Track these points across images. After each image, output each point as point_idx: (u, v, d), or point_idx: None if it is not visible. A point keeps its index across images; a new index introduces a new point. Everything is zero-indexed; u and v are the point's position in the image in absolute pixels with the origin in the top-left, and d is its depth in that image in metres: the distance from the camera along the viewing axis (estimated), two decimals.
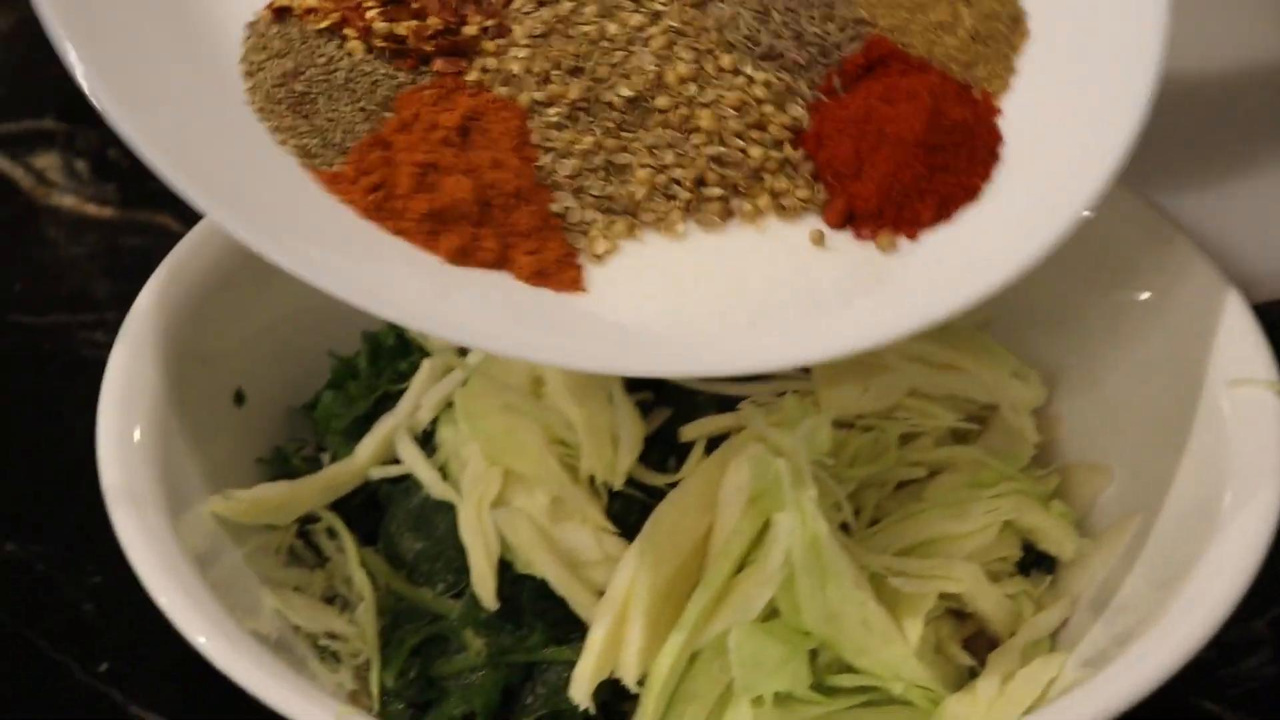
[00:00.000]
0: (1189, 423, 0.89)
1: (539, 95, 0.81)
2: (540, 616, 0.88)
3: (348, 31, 0.82)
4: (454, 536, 0.89)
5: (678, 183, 0.80)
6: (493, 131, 0.80)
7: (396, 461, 0.95)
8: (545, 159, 0.80)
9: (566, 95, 0.80)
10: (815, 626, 0.83)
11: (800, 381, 0.90)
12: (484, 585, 0.87)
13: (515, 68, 0.81)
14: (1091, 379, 0.98)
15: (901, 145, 0.80)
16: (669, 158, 0.80)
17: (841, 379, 0.90)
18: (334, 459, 0.97)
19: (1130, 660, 0.78)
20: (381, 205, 0.77)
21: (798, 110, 0.82)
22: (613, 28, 0.81)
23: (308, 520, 0.95)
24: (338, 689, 0.88)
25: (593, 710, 0.84)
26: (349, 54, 0.81)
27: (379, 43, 0.81)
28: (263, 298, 0.97)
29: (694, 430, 0.90)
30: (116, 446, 0.87)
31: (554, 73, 0.81)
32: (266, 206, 0.76)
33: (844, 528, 0.88)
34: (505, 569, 0.87)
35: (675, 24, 0.81)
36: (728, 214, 0.81)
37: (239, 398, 0.97)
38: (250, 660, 0.79)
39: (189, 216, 0.85)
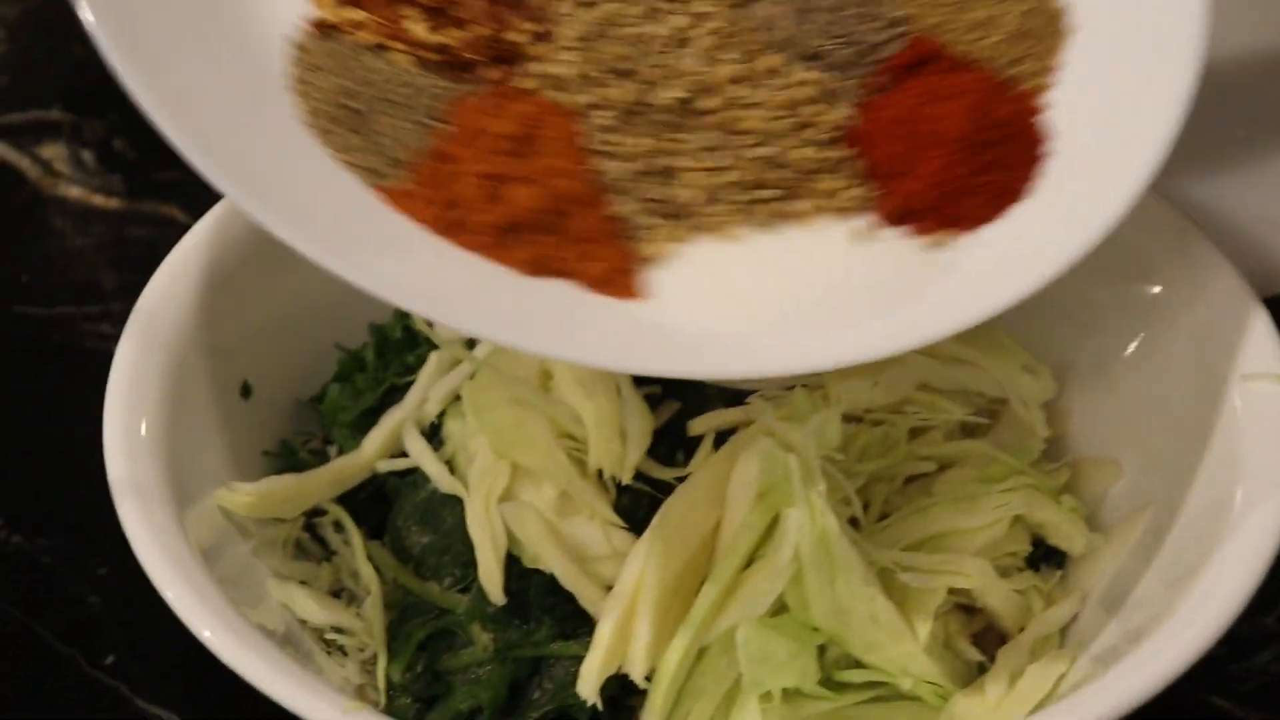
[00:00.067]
0: (1201, 417, 0.89)
1: (589, 98, 0.80)
2: (548, 611, 0.87)
3: (395, 44, 0.80)
4: (461, 530, 0.88)
5: (730, 185, 0.79)
6: (548, 137, 0.79)
7: (404, 455, 0.94)
8: (599, 163, 0.79)
9: (616, 98, 0.80)
10: (824, 622, 0.83)
11: (809, 375, 0.90)
12: (491, 579, 0.87)
13: (564, 71, 0.80)
14: (1102, 373, 0.98)
15: (950, 143, 0.79)
16: (720, 160, 0.80)
17: (851, 372, 0.90)
18: (341, 452, 0.97)
19: (1141, 657, 0.78)
20: (452, 221, 0.76)
21: (844, 109, 0.82)
22: (658, 29, 0.80)
23: (314, 513, 0.95)
24: (344, 683, 0.88)
25: (600, 706, 0.84)
26: (397, 68, 0.80)
27: (426, 55, 0.80)
28: (269, 290, 0.96)
29: (702, 424, 0.90)
30: (123, 440, 0.87)
31: (603, 75, 0.80)
32: (346, 231, 0.75)
33: (853, 522, 0.87)
34: (513, 563, 0.87)
35: (720, 25, 0.81)
36: (781, 215, 0.80)
37: (246, 390, 0.97)
38: (256, 654, 0.79)
39: (196, 208, 0.85)
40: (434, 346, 0.97)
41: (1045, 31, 0.83)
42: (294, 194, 0.75)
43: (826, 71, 0.82)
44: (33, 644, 1.00)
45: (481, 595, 0.87)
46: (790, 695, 0.83)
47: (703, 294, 0.77)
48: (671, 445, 0.90)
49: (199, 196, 0.81)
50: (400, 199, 0.77)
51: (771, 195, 0.80)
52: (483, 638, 0.88)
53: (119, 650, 0.99)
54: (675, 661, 0.83)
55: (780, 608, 0.84)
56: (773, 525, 0.84)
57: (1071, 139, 0.82)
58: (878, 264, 0.80)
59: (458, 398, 0.93)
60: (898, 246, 0.80)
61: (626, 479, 0.88)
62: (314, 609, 0.90)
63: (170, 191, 1.27)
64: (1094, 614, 0.90)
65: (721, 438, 0.89)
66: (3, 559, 1.04)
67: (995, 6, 0.84)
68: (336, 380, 1.01)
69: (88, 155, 1.33)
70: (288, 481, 0.93)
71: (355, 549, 0.93)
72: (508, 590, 0.87)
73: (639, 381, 0.89)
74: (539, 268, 0.76)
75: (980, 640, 0.90)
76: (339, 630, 0.90)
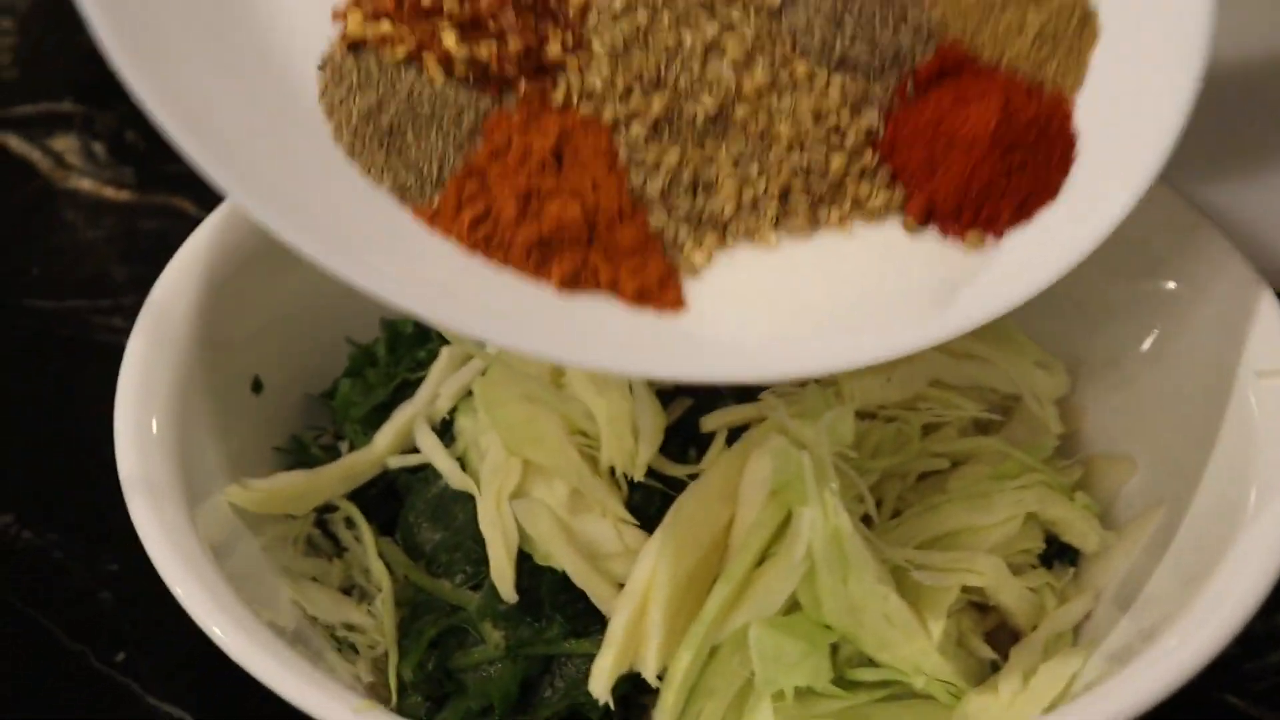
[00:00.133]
0: (1215, 414, 0.89)
1: (622, 110, 0.80)
2: (559, 609, 0.87)
3: (426, 58, 0.80)
4: (473, 527, 0.88)
5: (764, 194, 0.80)
6: (584, 152, 0.78)
7: (415, 451, 0.94)
8: (635, 176, 0.79)
9: (650, 109, 0.79)
10: (836, 620, 0.83)
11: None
12: (503, 577, 0.86)
13: (598, 83, 0.80)
14: (1116, 369, 0.98)
15: (975, 145, 0.79)
16: (753, 169, 0.80)
17: (864, 369, 0.89)
18: (352, 448, 0.97)
19: (1154, 657, 0.77)
20: (488, 238, 0.76)
21: (873, 117, 0.82)
22: (690, 38, 0.80)
23: (325, 510, 0.95)
24: (355, 681, 0.88)
25: (612, 704, 0.83)
26: (430, 83, 0.79)
27: (458, 69, 0.80)
28: (280, 284, 0.96)
29: (715, 421, 0.90)
30: (134, 436, 0.87)
31: (636, 87, 0.80)
32: (374, 249, 0.75)
33: (866, 520, 0.87)
34: (524, 561, 0.87)
35: (751, 33, 0.81)
36: (815, 222, 0.80)
37: (257, 386, 0.97)
38: (266, 652, 0.79)
39: (206, 200, 0.85)
40: (445, 342, 0.97)
41: (1074, 34, 0.83)
42: (318, 207, 0.75)
43: (856, 79, 0.82)
44: (43, 640, 1.00)
45: (493, 593, 0.87)
46: (803, 694, 0.83)
47: (739, 302, 0.78)
48: (683, 442, 0.90)
49: (210, 189, 0.81)
50: (433, 218, 0.77)
51: (805, 203, 0.80)
52: (494, 635, 0.88)
53: (130, 646, 0.99)
54: (687, 660, 0.83)
55: (793, 606, 0.83)
56: (785, 523, 0.84)
57: (1087, 137, 0.82)
58: (910, 266, 0.80)
59: (469, 393, 0.93)
60: (930, 249, 0.80)
61: (638, 476, 0.88)
62: (325, 606, 0.90)
63: (182, 184, 1.27)
64: (1107, 612, 0.90)
65: (734, 435, 0.89)
66: (13, 554, 1.04)
67: (1023, 11, 0.83)
68: (348, 375, 1.01)
69: (99, 147, 1.33)
70: (299, 478, 0.93)
71: (366, 546, 0.93)
72: (519, 588, 0.86)
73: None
74: (574, 283, 0.76)
75: (993, 638, 0.90)
76: (350, 628, 0.90)
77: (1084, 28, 0.83)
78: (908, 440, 0.91)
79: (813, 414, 0.86)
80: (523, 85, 0.80)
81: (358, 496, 0.95)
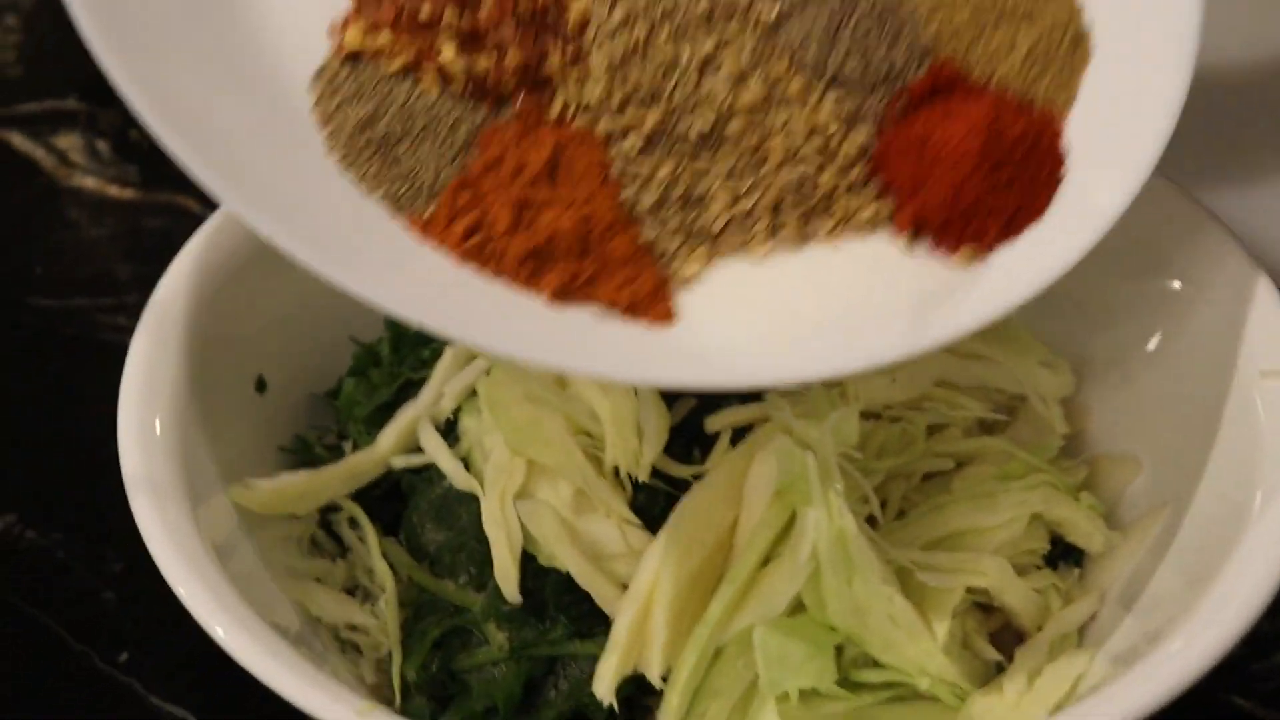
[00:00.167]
0: (1220, 414, 0.88)
1: (617, 124, 0.80)
2: (563, 610, 0.87)
3: (424, 70, 0.80)
4: (476, 528, 0.88)
5: (756, 207, 0.80)
6: (578, 165, 0.78)
7: (419, 450, 0.94)
8: (628, 190, 0.79)
9: (644, 123, 0.79)
10: (841, 622, 0.82)
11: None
12: (506, 578, 0.86)
13: (594, 97, 0.80)
14: (1121, 369, 0.97)
15: (961, 161, 0.79)
16: (745, 183, 0.80)
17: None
18: (356, 447, 0.97)
19: (1160, 658, 0.77)
20: (480, 248, 0.76)
21: (865, 134, 0.82)
22: (687, 52, 0.80)
23: (329, 510, 0.95)
24: (358, 682, 0.88)
25: (616, 706, 0.83)
26: (425, 94, 0.79)
27: (455, 82, 0.80)
28: (284, 283, 0.96)
29: (719, 421, 0.89)
30: (137, 436, 0.86)
31: (631, 100, 0.80)
32: (367, 257, 0.75)
33: (870, 520, 0.87)
34: (528, 561, 0.87)
35: (747, 49, 0.80)
36: (805, 235, 0.80)
37: (260, 385, 0.97)
38: (269, 653, 0.79)
39: (210, 199, 0.84)
40: (449, 342, 0.97)
41: (1065, 54, 0.83)
42: (311, 214, 0.75)
43: (850, 96, 0.82)
44: (45, 640, 1.00)
45: (497, 593, 0.87)
46: (807, 695, 0.82)
47: (729, 312, 0.77)
48: (688, 442, 0.90)
49: None
50: (425, 228, 0.77)
51: (796, 217, 0.80)
52: (498, 636, 0.88)
53: (133, 647, 0.99)
54: (691, 661, 0.83)
55: (797, 607, 0.83)
56: (790, 524, 0.84)
57: (1072, 149, 0.82)
58: (899, 276, 0.79)
59: (474, 393, 0.93)
60: (918, 261, 0.80)
61: (643, 476, 0.87)
62: (328, 606, 0.90)
63: (185, 182, 1.24)
64: (1113, 612, 0.90)
65: (738, 435, 0.89)
66: (16, 554, 1.04)
67: (1016, 31, 0.84)
68: (351, 375, 1.01)
69: (103, 145, 1.33)
70: (302, 478, 0.93)
71: (370, 546, 0.92)
72: (523, 589, 0.86)
73: None
74: (566, 294, 0.76)
75: (998, 638, 0.90)
76: (353, 628, 0.90)
77: (1076, 48, 0.84)
78: (912, 440, 0.91)
79: (817, 414, 0.86)
80: (520, 98, 0.80)
81: (361, 496, 0.95)
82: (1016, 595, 0.88)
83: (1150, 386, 0.96)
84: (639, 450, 0.87)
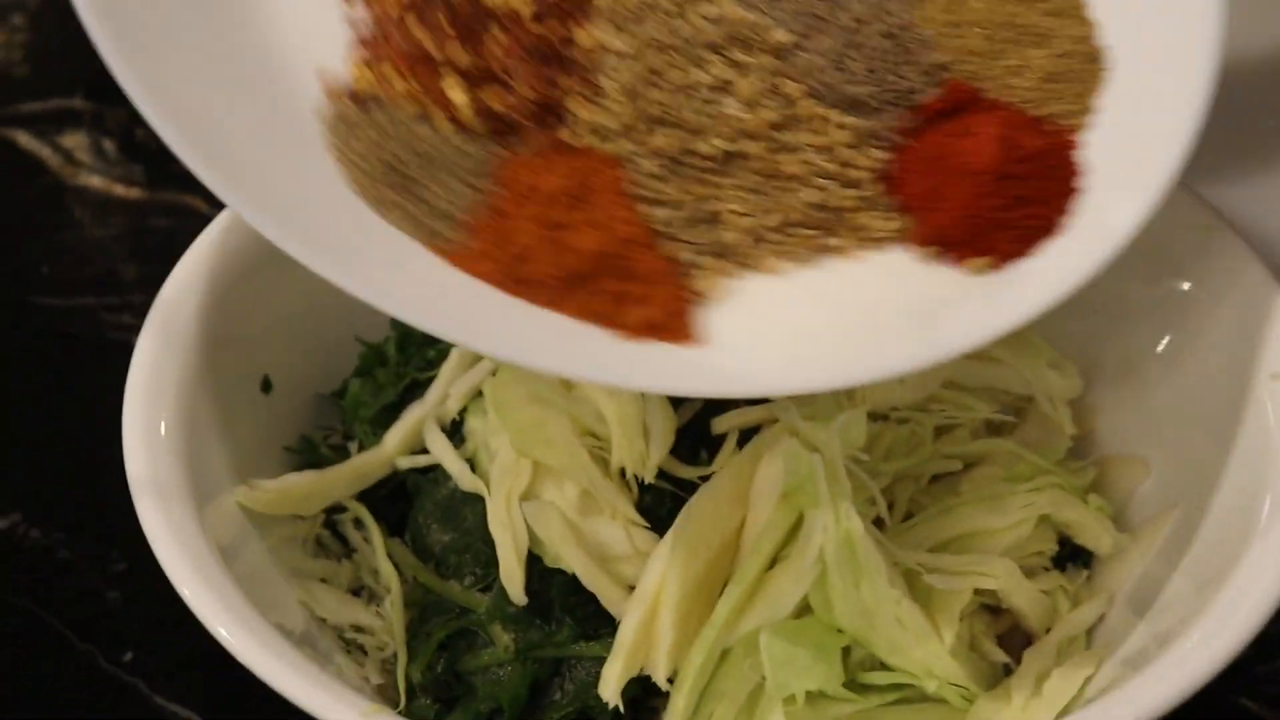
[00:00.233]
0: (1229, 416, 0.88)
1: (634, 148, 0.79)
2: (569, 611, 0.87)
3: (434, 113, 0.79)
4: (482, 529, 0.88)
5: (771, 226, 0.80)
6: (597, 188, 0.78)
7: (425, 451, 0.94)
8: (646, 210, 0.79)
9: (661, 146, 0.79)
10: (848, 624, 0.82)
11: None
12: (512, 579, 0.86)
13: (611, 123, 0.79)
14: (1129, 370, 0.97)
15: (975, 176, 0.79)
16: (761, 203, 0.80)
17: None
18: (361, 448, 0.97)
19: (1169, 662, 0.77)
20: (509, 274, 0.76)
21: (878, 153, 0.82)
22: (700, 76, 0.80)
23: (335, 510, 0.95)
24: (363, 683, 0.88)
25: (621, 708, 0.83)
26: (439, 133, 0.79)
27: (469, 121, 0.79)
28: (290, 283, 0.95)
29: (726, 422, 0.89)
30: (142, 437, 0.86)
31: (648, 125, 0.80)
32: (368, 259, 0.76)
33: (878, 523, 0.87)
34: (534, 563, 0.87)
35: (761, 73, 0.81)
36: (821, 250, 0.80)
37: (266, 385, 0.97)
38: (273, 654, 0.79)
39: (216, 199, 0.84)
40: None
41: (1081, 73, 0.83)
42: (313, 215, 0.75)
43: (864, 117, 0.82)
44: (49, 640, 0.99)
45: (502, 595, 0.87)
46: (814, 698, 0.82)
47: (748, 327, 0.77)
48: (694, 443, 0.89)
49: None
50: (460, 258, 0.77)
51: (811, 233, 0.80)
52: (503, 638, 0.87)
53: (137, 647, 0.99)
54: (698, 664, 0.82)
55: (804, 609, 0.83)
56: (797, 526, 0.84)
57: (1094, 156, 0.82)
58: (916, 288, 0.79)
59: (480, 394, 0.93)
60: (934, 274, 0.80)
61: (649, 478, 0.87)
62: (334, 607, 0.90)
63: (192, 181, 1.24)
64: (1121, 615, 0.90)
65: (745, 436, 0.89)
66: (20, 553, 1.04)
67: (1029, 51, 0.84)
68: (357, 375, 1.00)
69: (109, 144, 1.32)
70: (308, 478, 0.93)
71: (375, 547, 0.92)
72: (529, 590, 0.86)
73: None
74: (593, 316, 0.76)
75: (1006, 640, 0.89)
76: (359, 629, 0.90)
77: (1091, 66, 0.83)
78: (920, 442, 0.91)
79: (825, 416, 0.85)
80: (534, 129, 0.80)
81: (367, 497, 0.95)
82: (1024, 597, 0.88)
83: (1160, 388, 0.95)
84: (645, 452, 0.87)
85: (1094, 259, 0.77)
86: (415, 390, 0.97)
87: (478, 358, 0.94)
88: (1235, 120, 0.94)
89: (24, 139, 1.33)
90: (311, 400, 1.00)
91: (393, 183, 0.78)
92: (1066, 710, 0.83)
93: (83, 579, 1.02)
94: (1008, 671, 0.88)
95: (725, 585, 0.84)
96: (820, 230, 0.80)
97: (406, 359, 0.99)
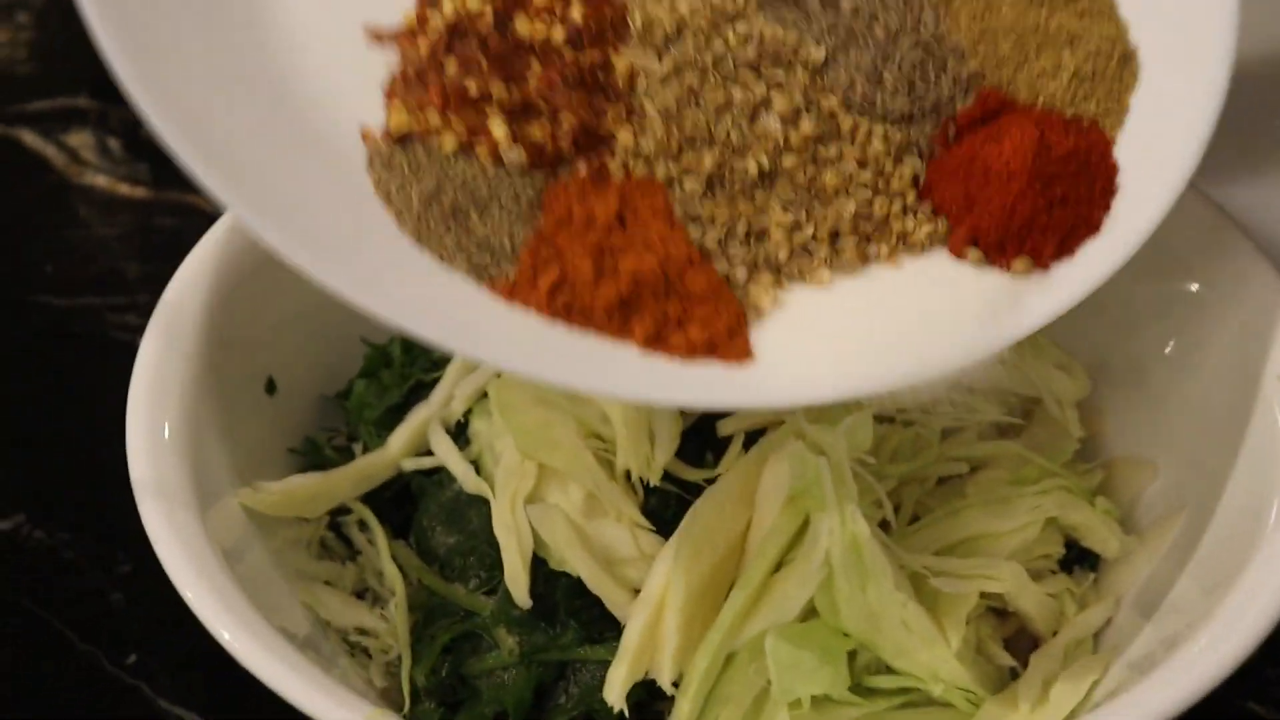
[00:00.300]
0: (1237, 418, 0.88)
1: (675, 169, 0.80)
2: (574, 615, 0.87)
3: (477, 149, 0.79)
4: (487, 532, 0.88)
5: (814, 237, 0.80)
6: (644, 212, 0.78)
7: (429, 453, 0.94)
8: (693, 230, 0.79)
9: (702, 166, 0.80)
10: (854, 628, 0.82)
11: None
12: (517, 582, 0.86)
13: (652, 146, 0.80)
14: (1137, 372, 0.97)
15: (1012, 178, 0.79)
16: (802, 215, 0.80)
17: None
18: (366, 449, 0.96)
19: (1177, 666, 0.77)
20: (568, 305, 0.76)
21: (916, 162, 0.82)
22: (738, 95, 0.80)
23: (339, 512, 0.95)
24: (367, 686, 0.87)
25: (626, 711, 0.83)
26: (481, 165, 0.79)
27: (510, 154, 0.79)
28: (295, 283, 0.93)
29: (732, 425, 0.89)
30: (146, 440, 0.86)
31: (688, 145, 0.80)
32: (368, 265, 0.75)
33: (884, 525, 0.87)
34: (539, 566, 0.86)
35: (797, 90, 0.81)
36: (865, 258, 0.81)
37: (270, 386, 0.97)
38: (276, 658, 0.79)
39: None
40: None
41: (1113, 75, 0.84)
42: (314, 220, 0.75)
43: (898, 129, 0.82)
44: (53, 641, 0.99)
45: (507, 598, 0.87)
46: (820, 702, 0.82)
47: (800, 340, 0.77)
48: (700, 446, 0.89)
49: None
50: (511, 291, 0.76)
51: (854, 243, 0.81)
52: (508, 641, 0.87)
53: (141, 649, 0.99)
54: (703, 667, 0.82)
55: (810, 613, 0.83)
56: (803, 529, 0.84)
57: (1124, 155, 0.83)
58: (957, 290, 0.80)
59: (484, 396, 0.93)
60: (976, 274, 0.80)
61: (654, 480, 0.87)
62: (338, 610, 0.90)
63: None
64: (1128, 618, 0.89)
65: (751, 439, 0.88)
66: (24, 554, 1.04)
67: (1060, 53, 0.84)
68: (362, 376, 1.00)
69: (114, 143, 1.32)
70: (312, 480, 0.93)
71: (380, 549, 0.92)
72: (534, 593, 0.86)
73: None
74: (656, 341, 0.76)
75: (1012, 643, 0.89)
76: (363, 632, 0.90)
77: (1125, 67, 0.84)
78: (926, 445, 0.91)
79: (831, 418, 0.85)
80: (580, 163, 0.80)
81: (371, 499, 0.94)
82: (1031, 600, 0.88)
83: (1167, 390, 0.95)
84: (650, 454, 0.87)
85: (1114, 258, 0.78)
86: (420, 392, 0.97)
87: None
88: (1245, 122, 0.94)
89: (29, 137, 1.33)
90: (316, 402, 1.00)
91: (444, 219, 0.78)
92: (1073, 714, 0.83)
93: (86, 580, 1.02)
94: (1014, 675, 0.88)
95: (731, 588, 0.84)
96: (863, 237, 0.81)
97: (411, 360, 0.99)
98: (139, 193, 1.28)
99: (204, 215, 1.21)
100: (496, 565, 0.87)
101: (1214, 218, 0.92)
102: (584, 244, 0.76)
